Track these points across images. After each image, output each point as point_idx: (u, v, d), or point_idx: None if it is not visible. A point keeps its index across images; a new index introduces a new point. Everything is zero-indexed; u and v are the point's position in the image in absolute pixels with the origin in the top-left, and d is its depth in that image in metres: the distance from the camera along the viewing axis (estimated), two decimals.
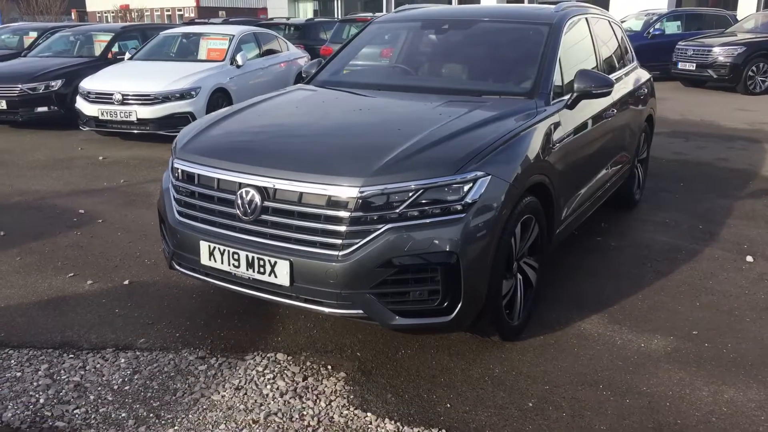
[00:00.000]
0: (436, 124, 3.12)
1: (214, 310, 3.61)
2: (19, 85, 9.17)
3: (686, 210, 5.54)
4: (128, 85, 8.16)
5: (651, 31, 15.65)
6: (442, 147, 2.90)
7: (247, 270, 2.88)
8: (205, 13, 38.47)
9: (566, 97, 3.71)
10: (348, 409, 2.73)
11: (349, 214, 2.69)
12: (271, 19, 19.44)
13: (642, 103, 5.22)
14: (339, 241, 2.71)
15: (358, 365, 3.07)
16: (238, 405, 2.74)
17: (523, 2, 22.40)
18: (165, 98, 8.02)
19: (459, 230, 2.72)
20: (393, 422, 2.65)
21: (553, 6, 4.26)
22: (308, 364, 3.08)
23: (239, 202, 2.87)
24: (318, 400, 2.79)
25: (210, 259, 2.99)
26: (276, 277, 2.81)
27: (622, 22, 17.01)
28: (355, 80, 4.15)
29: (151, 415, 2.68)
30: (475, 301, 2.85)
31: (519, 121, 3.26)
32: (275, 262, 2.79)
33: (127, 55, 9.73)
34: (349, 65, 4.40)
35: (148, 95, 8.02)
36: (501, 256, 2.94)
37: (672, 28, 16.04)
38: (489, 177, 2.82)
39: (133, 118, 8.01)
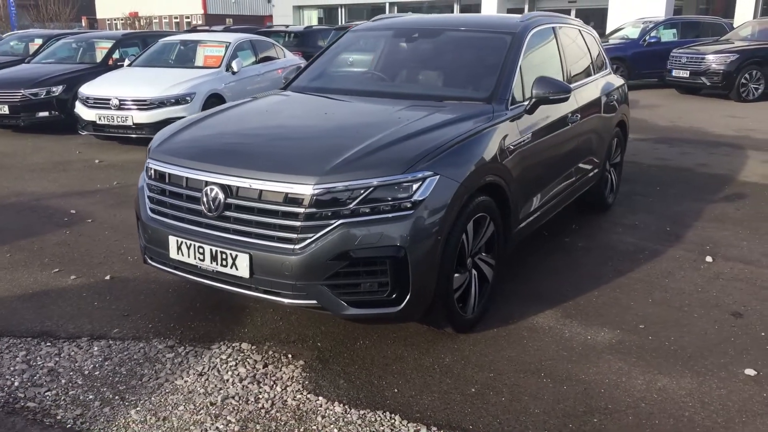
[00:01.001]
0: (393, 126, 3.32)
1: (188, 303, 3.81)
2: (21, 91, 9.46)
3: (657, 213, 5.71)
4: (125, 90, 8.41)
5: (647, 38, 15.81)
6: (395, 148, 3.09)
7: (211, 263, 3.08)
8: (213, 21, 38.89)
9: (526, 102, 3.89)
10: (301, 394, 2.92)
11: (303, 210, 2.89)
12: (270, 26, 19.74)
13: (612, 109, 5.39)
14: (294, 236, 2.90)
15: (317, 354, 3.26)
16: (198, 389, 2.94)
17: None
18: (160, 103, 8.26)
19: (407, 226, 2.91)
20: (341, 405, 2.83)
21: (519, 16, 4.45)
22: (270, 353, 3.27)
23: (204, 199, 3.07)
24: (275, 386, 2.98)
25: (178, 253, 3.20)
26: (237, 269, 3.01)
27: (619, 29, 17.24)
28: (328, 86, 4.35)
29: (117, 397, 2.88)
30: (423, 293, 3.03)
31: (474, 124, 3.45)
32: (236, 255, 2.99)
33: (126, 62, 10.00)
34: (327, 71, 4.61)
35: (144, 100, 8.27)
36: (451, 251, 3.12)
37: (668, 35, 16.21)
38: (438, 177, 3.01)
39: (129, 122, 8.26)
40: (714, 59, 13.34)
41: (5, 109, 9.43)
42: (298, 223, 2.90)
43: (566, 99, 3.93)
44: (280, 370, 3.11)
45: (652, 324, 3.60)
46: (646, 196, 6.29)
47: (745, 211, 5.78)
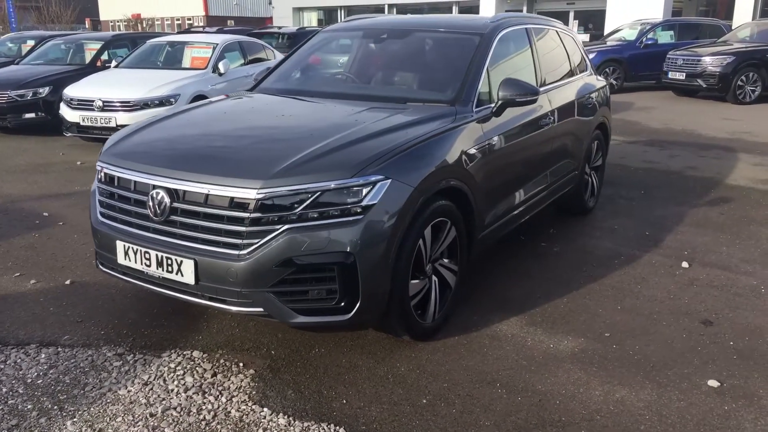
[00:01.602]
0: (348, 129, 3.23)
1: (145, 309, 3.72)
2: (8, 92, 9.41)
3: (638, 217, 5.60)
4: (109, 92, 8.34)
5: (644, 40, 15.69)
6: (346, 151, 3.00)
7: (157, 269, 3.00)
8: (214, 22, 38.92)
9: (492, 105, 3.80)
10: (246, 405, 2.83)
11: (248, 215, 2.80)
12: (263, 28, 19.68)
13: (591, 111, 5.29)
14: (240, 241, 2.82)
15: (269, 363, 3.17)
16: (140, 399, 2.85)
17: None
18: (144, 105, 8.19)
19: (356, 231, 2.82)
20: (286, 417, 2.74)
21: (490, 17, 4.36)
22: (222, 361, 3.18)
23: (150, 203, 2.99)
24: (220, 396, 2.89)
25: (125, 259, 3.11)
26: (182, 275, 2.93)
27: (617, 31, 17.12)
28: (293, 87, 4.27)
29: (55, 407, 2.79)
30: (375, 300, 2.94)
31: (433, 126, 3.36)
32: (181, 261, 2.91)
33: (113, 63, 9.94)
34: (295, 72, 4.53)
35: (128, 102, 8.20)
36: (405, 257, 3.03)
37: (665, 37, 16.08)
38: (389, 181, 2.91)
39: (113, 124, 8.18)
40: (710, 61, 13.22)
41: None
42: (243, 229, 2.81)
43: (533, 101, 3.84)
44: (229, 380, 3.02)
45: (618, 332, 3.50)
46: (630, 199, 6.19)
47: (729, 215, 5.67)
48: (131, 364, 3.15)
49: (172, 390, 2.92)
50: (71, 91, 8.58)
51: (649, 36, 15.79)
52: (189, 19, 46.32)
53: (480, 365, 3.16)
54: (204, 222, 2.89)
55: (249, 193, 2.79)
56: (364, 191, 2.86)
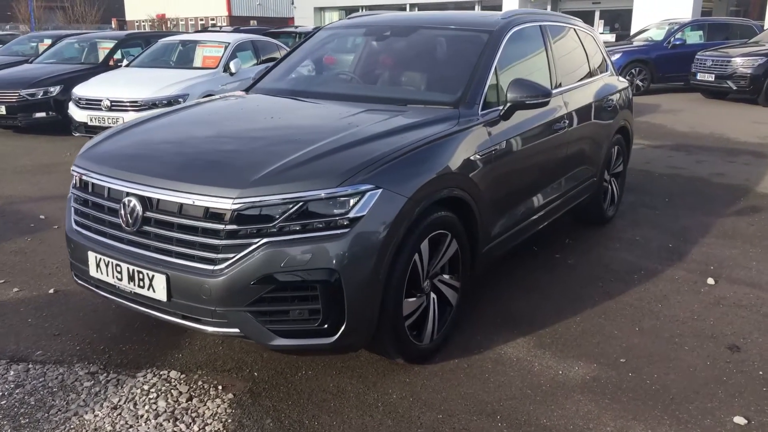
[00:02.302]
0: (340, 133, 2.97)
1: (128, 323, 3.50)
2: (19, 91, 9.33)
3: (662, 227, 5.26)
4: (117, 91, 8.20)
5: (672, 40, 15.20)
6: (334, 158, 2.74)
7: (129, 283, 2.77)
8: (237, 22, 38.97)
9: (501, 107, 3.52)
10: None
11: (224, 227, 2.56)
12: (279, 28, 19.49)
13: (611, 114, 4.97)
14: (215, 256, 2.57)
15: (250, 386, 2.92)
16: (106, 426, 2.62)
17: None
18: (152, 105, 8.01)
19: (341, 246, 2.56)
20: None
21: (501, 13, 4.07)
22: (200, 383, 2.94)
23: (122, 211, 2.76)
24: (192, 424, 2.65)
25: (97, 271, 2.89)
26: (154, 291, 2.69)
27: (644, 31, 16.64)
28: (289, 87, 4.02)
29: None
30: (363, 322, 2.68)
31: (433, 131, 3.09)
32: (153, 276, 2.68)
33: (125, 62, 9.81)
34: (293, 72, 4.28)
35: (136, 102, 8.04)
36: (398, 274, 2.76)
37: (694, 37, 15.57)
38: (380, 190, 2.65)
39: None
40: (741, 62, 12.73)
41: (2, 110, 9.31)
42: (218, 242, 2.56)
43: (545, 103, 3.54)
44: (205, 405, 2.78)
45: (635, 358, 3.19)
46: (653, 208, 5.84)
47: (759, 226, 5.31)
48: (103, 384, 2.92)
49: (142, 416, 2.69)
50: (80, 90, 8.45)
51: (677, 36, 15.29)
52: (212, 19, 46.49)
53: (480, 393, 2.88)
54: (178, 234, 2.65)
55: (224, 203, 2.54)
56: (352, 202, 2.60)
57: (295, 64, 4.37)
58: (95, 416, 2.69)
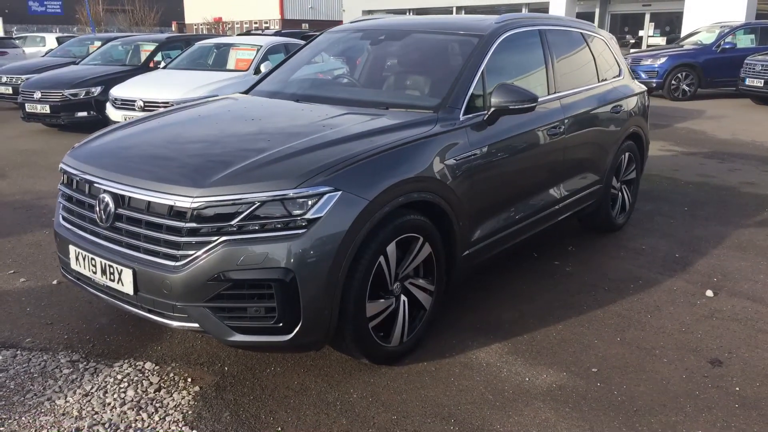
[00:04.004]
0: (310, 135, 3.03)
1: (117, 314, 3.64)
2: (63, 91, 9.76)
3: (673, 236, 5.12)
4: (150, 93, 8.49)
5: (721, 44, 14.70)
6: (297, 159, 2.80)
7: (102, 276, 2.89)
8: (289, 25, 39.69)
9: (485, 112, 3.51)
10: (177, 425, 2.67)
11: (185, 224, 2.64)
12: (316, 31, 19.72)
13: (619, 120, 4.86)
14: (176, 252, 2.67)
15: (218, 380, 3.00)
16: (73, 411, 2.74)
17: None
18: None
19: (297, 247, 2.61)
20: None
21: (496, 17, 4.06)
22: (171, 375, 3.05)
23: (97, 207, 2.89)
24: (154, 413, 2.74)
25: (77, 264, 3.03)
26: (122, 285, 2.81)
27: (694, 34, 16.13)
28: (282, 90, 4.08)
29: None
30: (319, 321, 2.72)
31: (405, 135, 3.11)
32: (121, 270, 2.79)
33: (162, 64, 10.14)
34: (289, 74, 4.37)
35: (168, 102, 8.29)
36: (360, 275, 2.80)
37: (745, 41, 15.04)
38: (339, 192, 2.69)
39: None
40: None
41: (47, 109, 9.76)
42: (180, 239, 2.65)
43: (530, 109, 3.50)
44: (171, 396, 2.88)
45: (609, 368, 3.13)
46: (669, 217, 5.68)
47: None
48: (81, 372, 3.06)
49: (109, 404, 2.80)
50: (116, 91, 8.79)
51: (727, 40, 14.79)
52: (266, 23, 47.46)
53: (440, 397, 2.88)
54: (145, 230, 2.75)
55: (185, 201, 2.63)
56: (310, 203, 2.65)
57: (296, 66, 4.46)
58: (66, 402, 2.82)
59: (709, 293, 4.02)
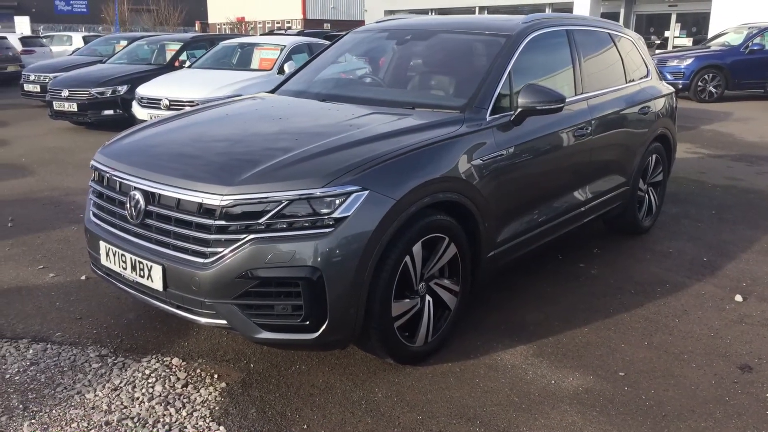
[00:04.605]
0: (337, 135, 3.04)
1: (144, 310, 3.68)
2: (90, 90, 9.90)
3: (700, 240, 5.05)
4: (175, 91, 8.57)
5: (749, 45, 14.47)
6: (325, 158, 2.81)
7: (132, 272, 2.93)
8: (311, 25, 39.87)
9: (512, 112, 3.49)
10: (204, 421, 2.70)
11: (214, 222, 2.67)
12: (339, 31, 19.77)
13: (647, 121, 4.81)
14: (205, 249, 2.69)
15: (244, 376, 3.03)
16: (103, 406, 2.78)
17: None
18: None
19: (325, 245, 2.62)
20: None
21: (523, 17, 4.03)
22: (198, 371, 3.07)
23: (128, 204, 2.93)
24: (182, 409, 2.77)
25: (107, 260, 3.07)
26: (152, 281, 2.84)
27: (721, 35, 15.90)
28: (308, 89, 4.10)
29: (21, 405, 2.78)
30: (346, 320, 2.73)
31: (431, 135, 3.11)
32: (151, 266, 2.82)
33: (187, 64, 10.23)
34: (315, 74, 4.39)
35: (192, 101, 8.36)
36: (386, 275, 2.80)
37: None
38: (366, 192, 2.69)
39: None
40: None
41: (74, 107, 9.90)
42: (209, 236, 2.68)
43: (558, 109, 3.48)
44: (198, 391, 2.90)
45: (636, 372, 3.10)
46: (697, 220, 5.61)
47: None
48: (109, 366, 3.10)
49: (137, 398, 2.84)
50: (142, 90, 8.89)
51: (755, 41, 14.56)
52: (288, 22, 47.69)
53: (466, 398, 2.87)
54: (175, 227, 2.78)
55: (215, 199, 2.66)
56: (337, 202, 2.66)
57: (321, 66, 4.47)
58: (95, 396, 2.86)
59: (738, 298, 3.96)
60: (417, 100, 3.64)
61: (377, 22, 4.70)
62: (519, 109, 3.45)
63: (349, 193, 2.67)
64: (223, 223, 2.65)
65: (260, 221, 2.63)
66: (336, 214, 2.65)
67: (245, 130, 3.38)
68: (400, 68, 4.17)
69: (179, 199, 2.77)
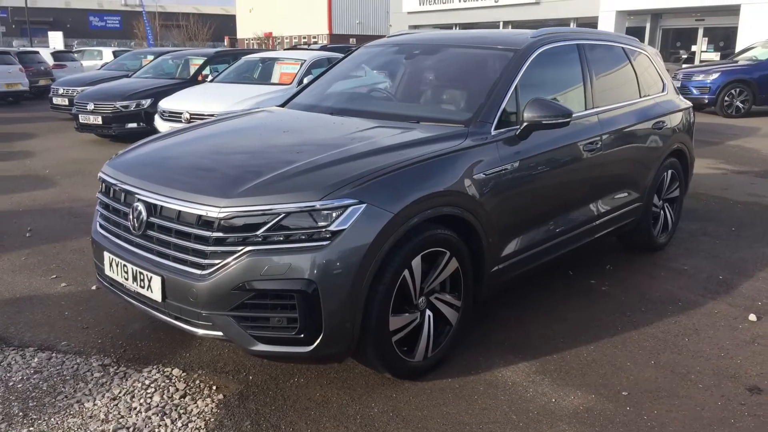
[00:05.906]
0: (339, 148, 3.05)
1: (150, 322, 3.70)
2: (114, 103, 10.11)
3: (717, 257, 4.94)
4: (196, 105, 8.70)
5: None
6: (323, 171, 2.82)
7: (133, 283, 2.96)
8: (337, 40, 40.25)
9: (518, 127, 3.47)
10: None
11: (211, 234, 2.69)
12: (357, 47, 19.92)
13: (662, 137, 4.74)
14: (203, 261, 2.71)
15: (242, 389, 3.03)
16: (100, 415, 2.80)
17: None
18: None
19: (320, 258, 2.62)
20: None
21: (533, 32, 4.02)
22: (197, 382, 3.09)
23: (131, 216, 2.97)
24: (177, 420, 2.78)
25: (110, 270, 3.11)
26: (152, 291, 2.87)
27: (749, 49, 15.66)
28: (317, 103, 4.12)
29: (20, 413, 2.81)
30: (341, 334, 2.72)
31: (433, 149, 3.10)
32: (151, 277, 2.85)
33: (209, 78, 10.39)
34: (324, 88, 4.42)
35: (213, 115, 8.45)
36: (383, 288, 2.79)
37: None
38: (363, 205, 2.69)
39: None
40: None
41: (99, 120, 10.11)
42: (206, 248, 2.70)
43: (564, 124, 3.45)
44: (195, 403, 2.91)
45: (640, 392, 3.03)
46: (715, 237, 5.49)
47: None
48: (110, 376, 3.13)
49: (134, 408, 2.86)
50: (164, 103, 9.05)
51: None
52: (314, 38, 48.18)
53: (462, 414, 2.84)
54: (174, 239, 2.81)
55: (212, 211, 2.68)
56: (334, 215, 2.66)
57: (332, 80, 4.50)
58: (94, 405, 2.88)
59: (753, 317, 3.86)
60: (422, 114, 3.64)
61: (389, 37, 4.72)
62: (525, 124, 3.42)
63: (347, 206, 2.67)
64: (220, 234, 2.67)
65: (257, 233, 2.65)
66: (333, 227, 2.65)
67: (249, 143, 3.42)
68: (407, 82, 4.18)
69: (180, 211, 2.80)
